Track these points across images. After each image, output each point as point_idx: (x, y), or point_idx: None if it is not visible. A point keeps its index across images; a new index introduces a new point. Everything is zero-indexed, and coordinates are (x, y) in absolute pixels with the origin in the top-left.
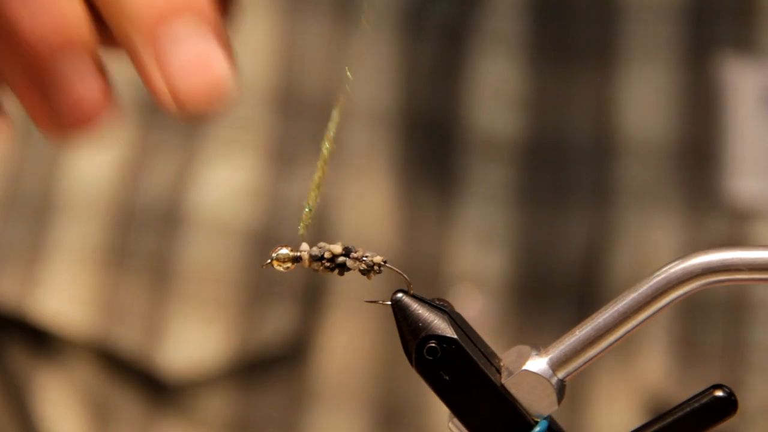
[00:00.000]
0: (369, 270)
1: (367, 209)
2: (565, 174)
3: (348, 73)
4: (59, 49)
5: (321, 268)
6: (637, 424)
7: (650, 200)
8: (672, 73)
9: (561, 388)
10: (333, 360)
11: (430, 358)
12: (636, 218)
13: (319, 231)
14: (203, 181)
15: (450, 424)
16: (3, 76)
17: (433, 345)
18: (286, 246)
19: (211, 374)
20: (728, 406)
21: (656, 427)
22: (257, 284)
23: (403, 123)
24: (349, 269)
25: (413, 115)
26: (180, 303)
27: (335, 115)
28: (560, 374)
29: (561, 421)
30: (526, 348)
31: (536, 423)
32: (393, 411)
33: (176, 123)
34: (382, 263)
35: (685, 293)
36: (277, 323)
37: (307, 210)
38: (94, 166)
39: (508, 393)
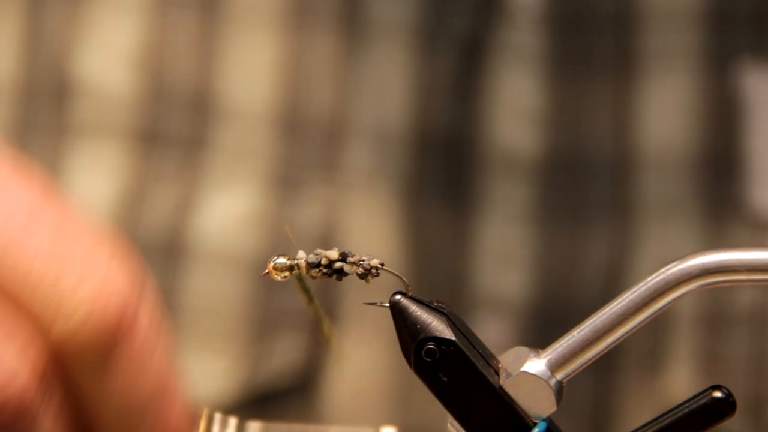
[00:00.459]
0: (367, 273)
1: (379, 231)
2: (586, 190)
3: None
4: None
5: (319, 274)
6: None
7: (672, 213)
8: (692, 83)
9: (560, 390)
10: (345, 388)
11: (429, 359)
12: (658, 232)
13: None
14: (206, 210)
15: (449, 426)
16: None
17: (432, 347)
18: (282, 255)
19: (219, 408)
20: (726, 407)
21: (655, 428)
22: (264, 315)
23: (417, 141)
24: (346, 274)
25: (428, 132)
26: (185, 336)
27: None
28: (559, 376)
29: None
30: (524, 349)
31: (535, 425)
32: None
33: (176, 152)
34: (380, 266)
35: (683, 294)
36: (286, 354)
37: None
38: (92, 197)
39: (507, 395)
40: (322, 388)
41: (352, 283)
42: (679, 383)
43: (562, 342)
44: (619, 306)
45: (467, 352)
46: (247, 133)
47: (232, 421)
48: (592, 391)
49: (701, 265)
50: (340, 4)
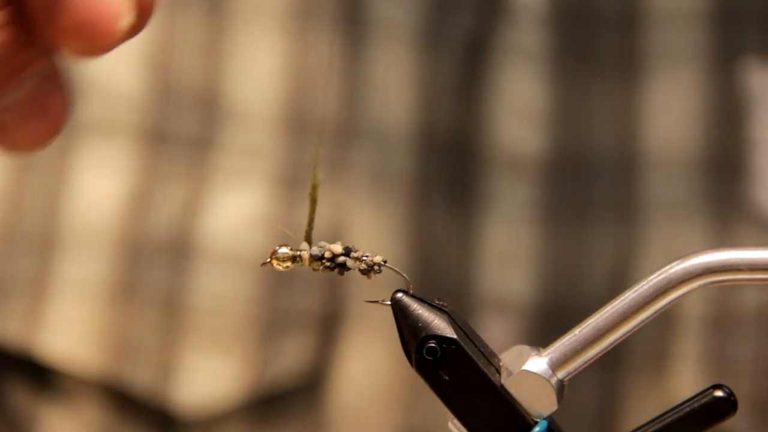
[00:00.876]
0: (369, 270)
1: (384, 231)
2: (590, 190)
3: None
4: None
5: (321, 267)
6: None
7: (677, 214)
8: (697, 82)
9: (561, 389)
10: (351, 389)
11: (430, 358)
12: (663, 233)
13: None
14: (213, 210)
15: (450, 425)
16: None
17: (433, 345)
18: (285, 245)
19: (226, 409)
20: (728, 406)
21: (656, 427)
22: (272, 315)
23: (422, 141)
24: (349, 269)
25: (433, 132)
26: (192, 337)
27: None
28: (560, 374)
29: None
30: (525, 348)
31: (536, 423)
32: None
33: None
34: (382, 263)
35: (685, 293)
36: (293, 354)
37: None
38: (99, 197)
39: (508, 393)
40: (329, 388)
41: (358, 284)
42: (686, 384)
43: (563, 340)
44: (620, 305)
45: (468, 351)
46: (254, 133)
47: None
48: (599, 392)
49: (703, 264)
50: (345, 5)
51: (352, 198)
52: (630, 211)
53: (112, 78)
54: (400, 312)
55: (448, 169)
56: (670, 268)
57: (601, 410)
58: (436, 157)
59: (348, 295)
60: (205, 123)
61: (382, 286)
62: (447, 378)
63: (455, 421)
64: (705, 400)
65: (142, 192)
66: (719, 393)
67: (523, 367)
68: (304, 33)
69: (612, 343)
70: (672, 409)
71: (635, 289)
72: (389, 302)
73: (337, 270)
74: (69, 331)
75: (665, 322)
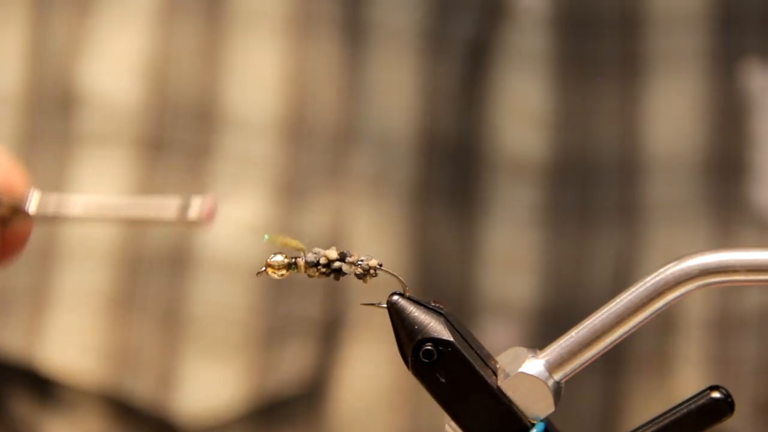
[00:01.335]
0: (365, 274)
1: (386, 237)
2: (592, 193)
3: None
4: None
5: (317, 273)
6: None
7: (679, 216)
8: (698, 85)
9: (557, 391)
10: (353, 395)
11: (427, 360)
12: (665, 235)
13: None
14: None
15: (446, 427)
16: None
17: (429, 348)
18: (280, 253)
19: (228, 418)
20: (725, 407)
21: (654, 428)
22: (272, 323)
23: (423, 145)
24: (345, 274)
25: (434, 137)
26: (193, 346)
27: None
28: (557, 376)
29: None
30: (522, 350)
31: (533, 425)
32: None
33: (182, 160)
34: (378, 266)
35: (682, 294)
36: (294, 361)
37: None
38: None
39: (505, 395)
40: (331, 395)
41: (358, 291)
42: (687, 386)
43: (560, 342)
44: (617, 306)
45: (465, 353)
46: (252, 141)
47: None
48: (601, 394)
49: (700, 266)
50: (345, 10)
51: (354, 203)
52: (632, 213)
53: (109, 88)
54: (396, 315)
55: (450, 172)
56: (667, 269)
57: (604, 412)
58: (438, 161)
59: (348, 301)
60: (202, 131)
61: (382, 291)
62: (443, 380)
63: (452, 423)
64: (702, 401)
65: None
66: (716, 394)
67: (520, 370)
68: (303, 39)
69: (609, 345)
70: (670, 411)
71: (632, 290)
72: (385, 305)
73: (333, 275)
74: (69, 342)
75: (667, 324)
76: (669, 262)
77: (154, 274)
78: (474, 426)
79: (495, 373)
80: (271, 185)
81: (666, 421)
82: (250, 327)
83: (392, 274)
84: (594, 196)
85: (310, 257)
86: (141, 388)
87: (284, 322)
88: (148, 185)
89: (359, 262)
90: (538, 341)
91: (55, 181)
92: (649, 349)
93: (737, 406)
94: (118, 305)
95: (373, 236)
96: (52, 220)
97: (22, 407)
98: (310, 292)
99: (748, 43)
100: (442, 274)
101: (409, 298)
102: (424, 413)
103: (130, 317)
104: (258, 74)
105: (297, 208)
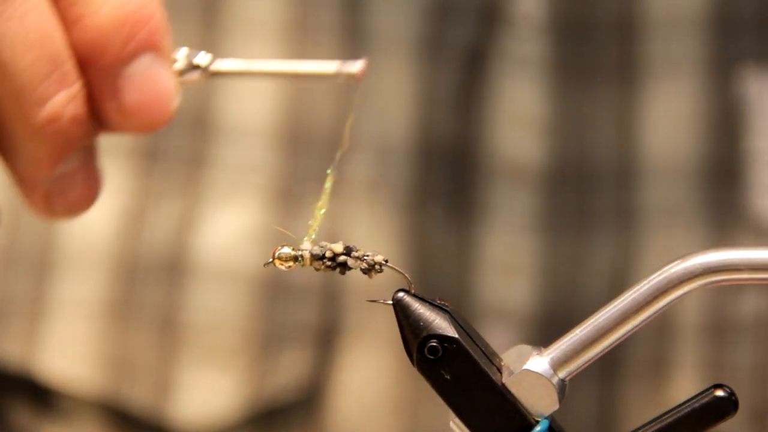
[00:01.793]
0: (370, 269)
1: (383, 243)
2: (590, 198)
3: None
4: (58, 155)
5: (322, 267)
6: None
7: (676, 221)
8: (695, 90)
9: (562, 388)
10: (350, 401)
11: (432, 357)
12: (662, 240)
13: None
14: (208, 226)
15: (451, 424)
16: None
17: (435, 344)
18: (287, 245)
19: (225, 425)
20: (728, 405)
21: (657, 426)
22: (269, 330)
23: (421, 151)
24: (350, 268)
25: (432, 143)
26: (190, 354)
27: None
28: (561, 374)
29: None
30: (527, 347)
31: (537, 422)
32: None
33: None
34: (384, 262)
35: (685, 293)
36: (291, 368)
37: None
38: (95, 217)
39: (509, 392)
40: (328, 401)
41: (355, 296)
42: (684, 391)
43: (564, 340)
44: (621, 304)
45: (470, 350)
46: (248, 148)
47: None
48: (598, 400)
49: (703, 264)
50: (342, 16)
51: (351, 208)
52: (629, 218)
53: None
54: (401, 311)
55: (448, 178)
56: (671, 268)
57: (601, 418)
58: (435, 167)
59: (345, 307)
60: (198, 140)
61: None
62: (448, 377)
63: (456, 420)
64: (706, 399)
65: (137, 210)
66: (720, 392)
67: (525, 367)
68: (301, 46)
69: (613, 343)
70: (673, 409)
71: (636, 288)
72: (391, 302)
73: (338, 269)
74: (67, 351)
75: (663, 330)
76: (672, 261)
77: (151, 282)
78: (478, 423)
79: (500, 371)
80: (267, 192)
81: (670, 420)
82: (246, 334)
83: (398, 271)
84: (591, 201)
85: (316, 250)
86: (138, 395)
87: (281, 329)
88: (145, 193)
89: (365, 257)
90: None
91: None
92: (645, 354)
93: None
94: (116, 313)
95: (371, 242)
96: (221, 77)
97: (21, 416)
98: (307, 299)
99: (744, 48)
100: (440, 279)
101: (415, 295)
102: (422, 419)
103: (127, 325)
104: (253, 82)
105: (294, 215)
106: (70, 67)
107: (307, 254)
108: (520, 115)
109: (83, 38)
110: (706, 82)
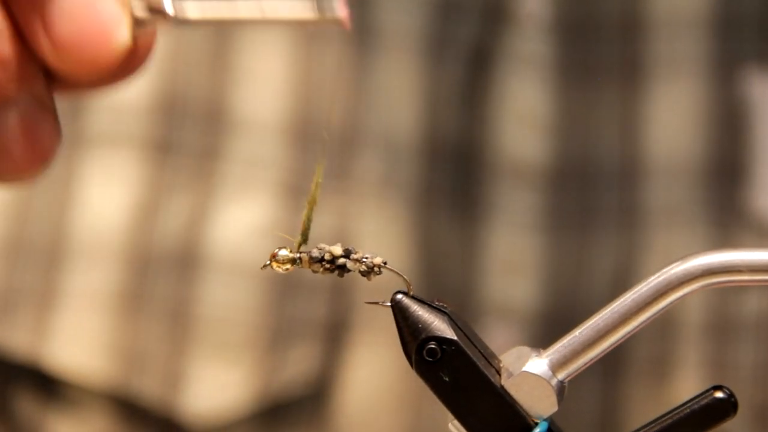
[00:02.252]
0: (369, 271)
1: (390, 240)
2: (593, 197)
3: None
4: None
5: (321, 269)
6: None
7: (679, 220)
8: (699, 90)
9: (561, 390)
10: (358, 397)
11: (430, 359)
12: (665, 239)
13: None
14: (219, 220)
15: (450, 426)
16: None
17: (433, 346)
18: (285, 247)
19: (233, 418)
20: (728, 406)
21: (657, 428)
22: (278, 324)
23: (427, 149)
24: (349, 270)
25: (437, 141)
26: (200, 347)
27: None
28: (560, 375)
29: None
30: (526, 349)
31: (536, 424)
32: None
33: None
34: (382, 264)
35: (685, 294)
36: (299, 363)
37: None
38: (106, 208)
39: (508, 394)
40: (336, 396)
41: (364, 292)
42: (687, 391)
43: (563, 342)
44: (620, 306)
45: (469, 352)
46: (259, 143)
47: None
48: (600, 400)
49: (703, 265)
50: (351, 14)
51: (357, 206)
52: (632, 217)
53: (118, 89)
54: (400, 313)
55: (453, 177)
56: (671, 269)
57: (603, 417)
58: (440, 165)
59: (354, 303)
60: (210, 133)
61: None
62: (447, 379)
63: (455, 422)
64: (705, 400)
65: (149, 202)
66: (720, 394)
67: (524, 369)
68: (309, 43)
69: (612, 345)
70: (673, 410)
71: (635, 290)
72: (389, 303)
73: (337, 272)
74: (77, 342)
75: (665, 329)
76: (672, 262)
77: (162, 274)
78: (477, 425)
79: (498, 372)
80: (277, 187)
81: (669, 421)
82: (256, 328)
83: (396, 272)
84: (595, 200)
85: (315, 253)
86: (148, 388)
87: (290, 324)
88: (156, 186)
89: (364, 260)
90: (539, 344)
91: (63, 181)
92: (647, 353)
93: None
94: (126, 305)
95: (378, 238)
96: (186, 23)
97: (29, 407)
98: (317, 294)
99: (748, 48)
100: (445, 276)
101: (413, 297)
102: (429, 415)
103: (137, 317)
104: (265, 77)
105: (303, 210)
106: None
107: (305, 257)
108: (524, 114)
109: None
110: (710, 82)
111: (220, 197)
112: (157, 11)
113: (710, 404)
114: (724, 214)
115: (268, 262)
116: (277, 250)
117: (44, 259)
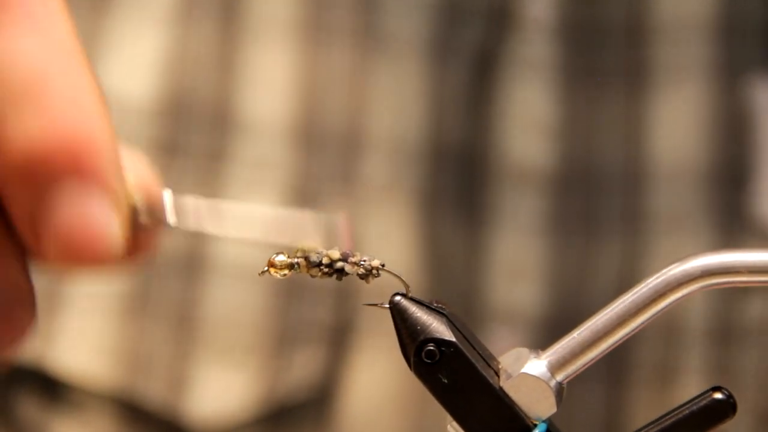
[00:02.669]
0: (367, 274)
1: (395, 243)
2: (597, 202)
3: None
4: None
5: (319, 274)
6: None
7: (683, 225)
8: (702, 95)
9: (560, 391)
10: (362, 400)
11: (429, 361)
12: (669, 244)
13: None
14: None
15: (449, 427)
16: None
17: (432, 348)
18: (282, 252)
19: (238, 421)
20: (727, 408)
21: (656, 429)
22: (283, 327)
23: (431, 153)
24: (347, 274)
25: (442, 144)
26: (205, 350)
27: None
28: (559, 377)
29: None
30: (524, 350)
31: (535, 426)
32: None
33: (196, 164)
34: (380, 266)
35: (684, 296)
36: (304, 366)
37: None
38: None
39: (507, 396)
40: (340, 400)
41: (368, 296)
42: (689, 396)
43: (562, 343)
44: (619, 307)
45: (467, 354)
46: (265, 145)
47: None
48: (604, 405)
49: (702, 266)
50: (356, 18)
51: (363, 209)
52: (636, 222)
53: (125, 90)
54: (398, 315)
55: (457, 180)
56: (669, 270)
57: (606, 422)
58: (446, 169)
59: (358, 306)
60: (216, 135)
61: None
62: (446, 381)
63: (454, 424)
64: (704, 402)
65: None
66: (718, 395)
67: (522, 370)
68: (315, 46)
69: (611, 346)
70: (672, 411)
71: (634, 291)
72: (387, 305)
73: (335, 276)
74: (81, 345)
75: (669, 334)
76: (671, 263)
77: (167, 277)
78: (476, 426)
79: (497, 374)
80: (283, 189)
81: (668, 422)
82: (261, 331)
83: (395, 275)
84: (599, 205)
85: (313, 257)
86: (152, 391)
87: (295, 327)
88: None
89: (362, 262)
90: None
91: None
92: (651, 358)
93: (739, 416)
94: (131, 308)
95: (383, 242)
96: (189, 233)
97: (33, 410)
98: (321, 298)
99: (752, 54)
100: (450, 280)
101: (412, 299)
102: (433, 418)
103: (142, 320)
104: (271, 79)
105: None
106: None
107: (303, 261)
108: (529, 118)
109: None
110: (714, 87)
111: (225, 199)
112: (157, 219)
113: (709, 405)
114: (728, 219)
115: (266, 269)
116: (274, 255)
117: None
